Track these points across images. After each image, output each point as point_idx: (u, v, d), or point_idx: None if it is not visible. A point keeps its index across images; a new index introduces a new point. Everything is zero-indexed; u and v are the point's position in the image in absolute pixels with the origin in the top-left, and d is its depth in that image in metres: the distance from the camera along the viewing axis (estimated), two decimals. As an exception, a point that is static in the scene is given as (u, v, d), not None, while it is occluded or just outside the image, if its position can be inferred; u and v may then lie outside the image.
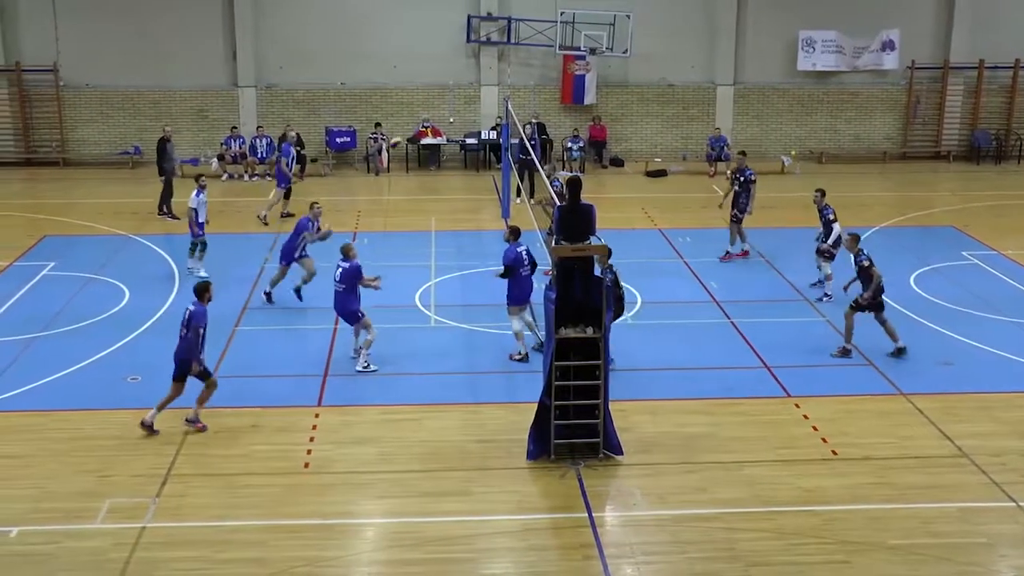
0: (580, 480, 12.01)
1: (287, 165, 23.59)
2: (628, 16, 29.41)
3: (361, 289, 15.12)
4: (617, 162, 30.81)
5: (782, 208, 25.13)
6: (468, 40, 30.16)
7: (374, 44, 30.03)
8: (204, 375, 13.28)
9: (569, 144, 29.60)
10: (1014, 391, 14.61)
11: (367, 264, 16.36)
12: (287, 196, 23.88)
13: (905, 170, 30.53)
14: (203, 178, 19.92)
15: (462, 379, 15.02)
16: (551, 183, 18.43)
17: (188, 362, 13.10)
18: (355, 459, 12.53)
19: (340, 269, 15.08)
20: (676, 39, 30.63)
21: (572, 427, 12.47)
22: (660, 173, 29.44)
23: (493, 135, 29.56)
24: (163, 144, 24.07)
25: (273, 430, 13.29)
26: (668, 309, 17.78)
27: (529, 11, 29.93)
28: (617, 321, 14.32)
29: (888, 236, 22.42)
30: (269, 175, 28.65)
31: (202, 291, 13.32)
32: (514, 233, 15.63)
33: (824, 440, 13.03)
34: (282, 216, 23.49)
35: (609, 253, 13.76)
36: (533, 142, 23.67)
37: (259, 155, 28.90)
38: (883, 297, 15.52)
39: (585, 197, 13.11)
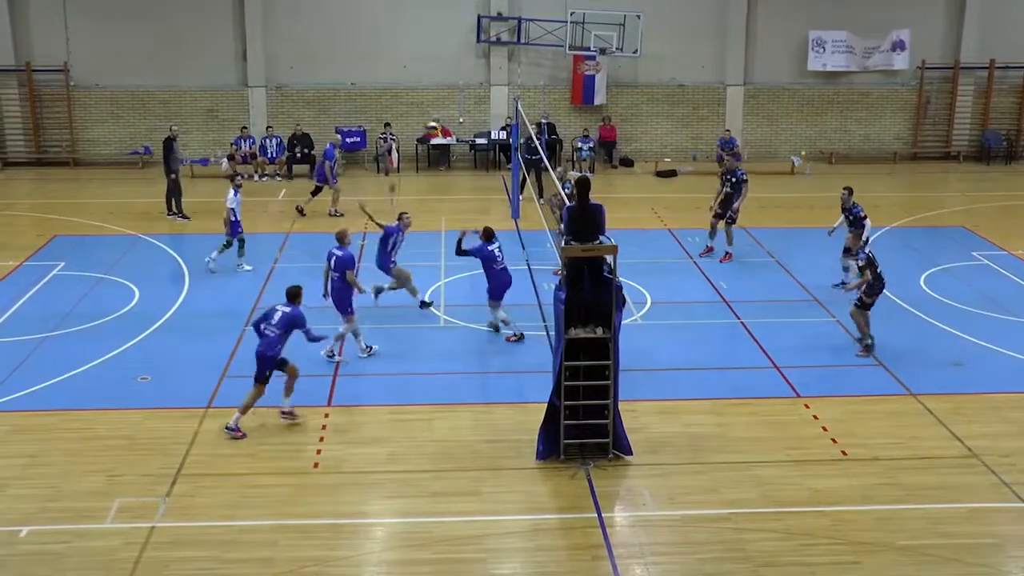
0: (590, 480, 12.01)
1: (330, 168, 23.94)
2: (638, 16, 29.39)
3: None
4: (627, 162, 30.80)
5: (792, 208, 25.12)
6: (478, 40, 30.17)
7: (384, 44, 30.06)
8: (282, 364, 13.37)
9: (579, 144, 29.59)
10: (1024, 392, 14.59)
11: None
12: (314, 194, 24.07)
13: (915, 170, 30.47)
14: (238, 178, 20.39)
15: (472, 379, 15.03)
16: (563, 186, 18.45)
17: (274, 360, 13.13)
18: (364, 459, 12.55)
19: (334, 257, 15.32)
20: (686, 39, 30.60)
21: (582, 427, 12.47)
22: (670, 173, 29.41)
23: (503, 135, 29.57)
24: (169, 143, 24.14)
25: (282, 430, 13.32)
26: (677, 309, 17.77)
27: (539, 11, 29.93)
28: (626, 321, 14.34)
29: (898, 236, 22.37)
30: (279, 175, 28.76)
31: (296, 295, 13.44)
32: (487, 234, 16.17)
33: (834, 441, 13.01)
34: (298, 213, 23.77)
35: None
36: (536, 144, 23.64)
37: (269, 155, 28.95)
38: (877, 298, 15.50)
39: (595, 197, 13.10)
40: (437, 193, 27.60)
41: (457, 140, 30.18)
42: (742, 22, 30.55)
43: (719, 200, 20.56)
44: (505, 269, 16.25)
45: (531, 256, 20.61)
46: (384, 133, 29.56)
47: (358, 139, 30.02)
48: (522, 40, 30.20)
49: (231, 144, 29.31)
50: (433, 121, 29.81)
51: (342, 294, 15.32)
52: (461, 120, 30.62)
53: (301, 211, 24.02)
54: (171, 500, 11.54)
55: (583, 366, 12.37)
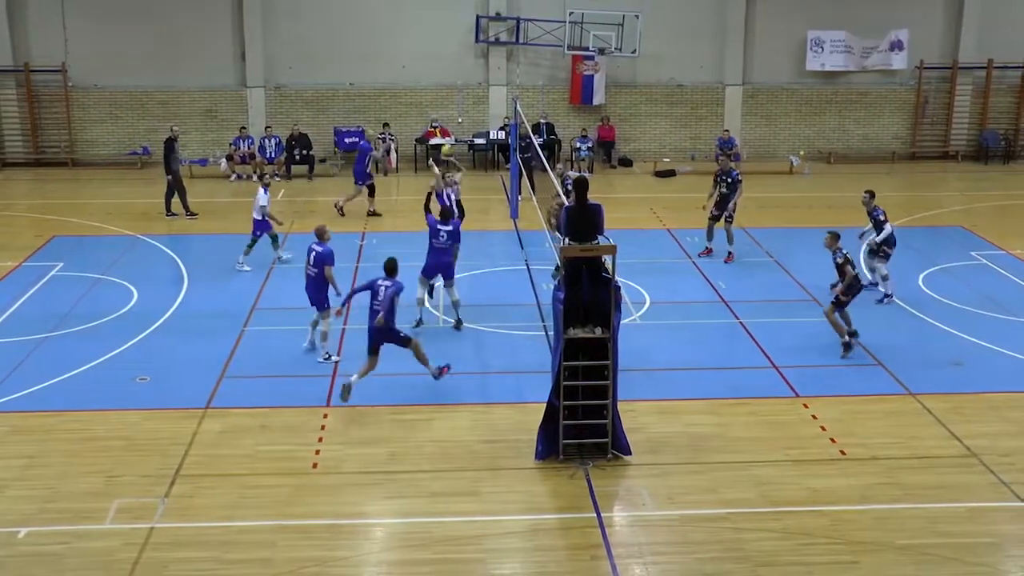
0: (589, 480, 12.01)
1: (366, 164, 23.97)
2: (637, 16, 29.41)
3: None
4: (626, 162, 30.81)
5: (791, 208, 25.12)
6: (477, 40, 30.18)
7: (383, 44, 30.07)
8: (406, 341, 14.11)
9: (578, 144, 29.61)
10: (1023, 391, 14.57)
11: (376, 264, 16.43)
12: (371, 194, 24.06)
13: (914, 170, 30.49)
14: (267, 177, 20.73)
15: (471, 379, 15.01)
16: (563, 182, 18.50)
17: (386, 331, 13.89)
18: (364, 459, 12.54)
19: (314, 253, 15.38)
20: (685, 39, 30.62)
21: (581, 427, 12.47)
22: (669, 173, 29.42)
23: (502, 135, 29.58)
24: (170, 144, 24.16)
25: (281, 430, 13.31)
26: (676, 309, 17.77)
27: (538, 11, 29.94)
28: (625, 321, 14.34)
29: (897, 236, 22.28)
30: (278, 175, 28.73)
31: (394, 268, 14.13)
32: (443, 214, 16.73)
33: (832, 440, 13.01)
34: (368, 215, 23.89)
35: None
36: (526, 141, 23.66)
37: (268, 155, 28.95)
38: (849, 297, 15.53)
39: (594, 197, 13.12)
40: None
41: (456, 140, 30.17)
42: (741, 22, 30.57)
43: (714, 201, 20.56)
44: (444, 251, 16.42)
45: (530, 256, 20.60)
46: (383, 133, 29.55)
47: (357, 139, 29.99)
48: (521, 40, 30.21)
49: (230, 144, 29.30)
50: (445, 139, 29.59)
51: (319, 289, 15.39)
52: (460, 120, 30.63)
53: (375, 213, 23.87)
54: (170, 501, 11.54)
55: (582, 366, 12.37)
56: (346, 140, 29.81)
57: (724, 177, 20.55)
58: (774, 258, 20.69)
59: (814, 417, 13.66)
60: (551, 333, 13.84)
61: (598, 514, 11.33)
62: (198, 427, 13.31)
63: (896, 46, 30.64)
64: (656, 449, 12.73)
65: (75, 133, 30.31)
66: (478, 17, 29.94)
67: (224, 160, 28.89)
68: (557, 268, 18.64)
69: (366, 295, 14.15)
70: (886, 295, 17.92)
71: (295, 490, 11.81)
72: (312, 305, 15.57)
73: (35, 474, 12.16)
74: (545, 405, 12.48)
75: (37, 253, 21.20)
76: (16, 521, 11.08)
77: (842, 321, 15.67)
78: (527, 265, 20.01)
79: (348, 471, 12.27)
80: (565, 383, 12.25)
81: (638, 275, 18.76)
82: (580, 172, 28.52)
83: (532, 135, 23.97)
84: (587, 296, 12.33)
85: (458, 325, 16.64)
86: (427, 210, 17.00)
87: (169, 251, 21.31)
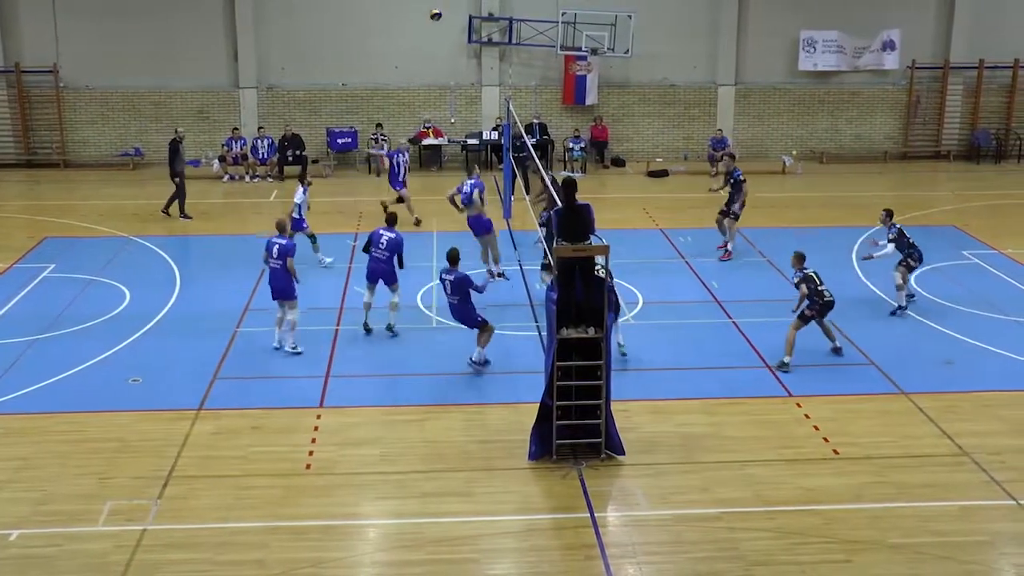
0: (582, 480, 12.01)
1: (396, 170, 23.60)
2: (629, 16, 29.42)
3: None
4: (618, 162, 30.82)
5: (784, 208, 25.15)
6: (469, 41, 30.17)
7: (375, 45, 30.05)
8: (483, 324, 15.04)
9: (570, 144, 29.61)
10: (1014, 390, 14.62)
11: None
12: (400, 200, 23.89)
13: (906, 170, 30.54)
14: (308, 177, 20.84)
15: (464, 380, 15.02)
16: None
17: (472, 318, 14.97)
18: (357, 460, 12.54)
19: (277, 246, 15.67)
20: (677, 39, 30.63)
21: (574, 427, 12.47)
22: (661, 173, 29.44)
23: (494, 135, 29.58)
24: (175, 146, 24.11)
25: (275, 431, 13.30)
26: (669, 309, 17.79)
27: (530, 11, 29.93)
28: (620, 321, 14.37)
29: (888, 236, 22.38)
30: (270, 176, 28.71)
31: (456, 258, 14.98)
32: (388, 219, 16.81)
33: (825, 439, 13.03)
34: (384, 208, 23.60)
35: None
36: (520, 142, 23.65)
37: (261, 156, 28.91)
38: (813, 312, 15.42)
39: (587, 197, 13.13)
40: (429, 194, 27.51)
41: (449, 141, 30.18)
42: (733, 22, 30.59)
43: (723, 195, 21.20)
44: (379, 260, 16.29)
45: (523, 256, 20.61)
46: (375, 134, 29.53)
47: (349, 140, 30.00)
48: (513, 40, 30.21)
49: (222, 145, 29.25)
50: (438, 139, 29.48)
51: (288, 280, 15.66)
52: (452, 121, 30.62)
53: (418, 223, 23.60)
54: (163, 502, 11.52)
55: (575, 366, 12.38)
56: (339, 141, 29.79)
57: (728, 178, 20.86)
58: (767, 258, 20.72)
59: (807, 416, 13.68)
60: (544, 333, 13.84)
61: (592, 514, 11.34)
62: (191, 428, 13.30)
63: (888, 46, 30.68)
64: (649, 449, 12.74)
65: (67, 134, 30.23)
66: (471, 17, 29.93)
67: (217, 161, 28.83)
68: (544, 266, 18.71)
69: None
70: (899, 306, 17.43)
71: (288, 491, 11.80)
72: (277, 298, 15.81)
73: (27, 476, 12.14)
74: (538, 405, 12.49)
75: (29, 254, 21.15)
76: (8, 523, 11.06)
77: (827, 334, 15.68)
78: (520, 265, 20.01)
79: (341, 472, 12.27)
80: (558, 383, 12.26)
81: (631, 275, 18.77)
82: (573, 172, 28.60)
83: (525, 135, 23.97)
84: (580, 296, 12.34)
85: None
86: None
87: (162, 252, 21.28)
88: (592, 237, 12.68)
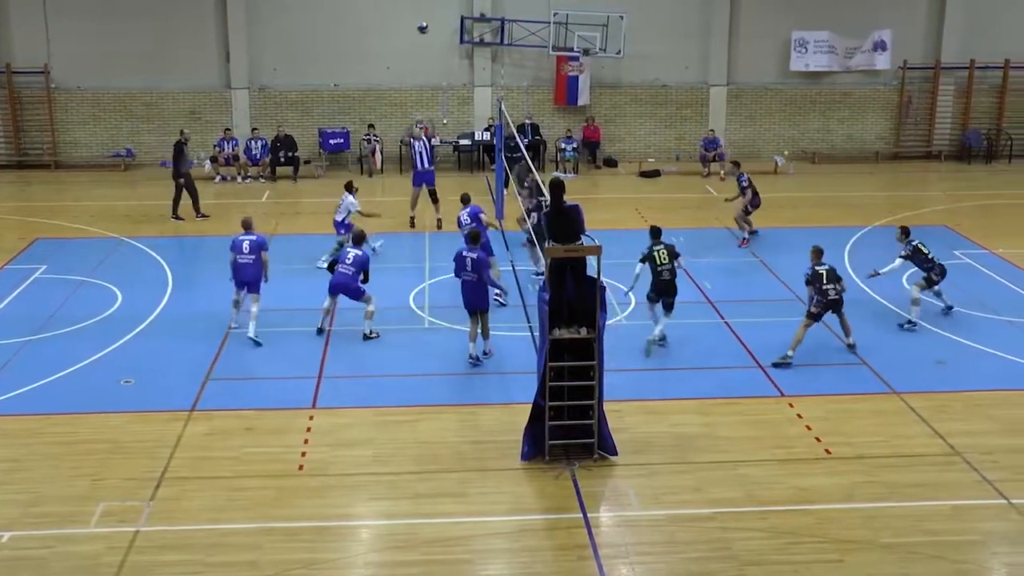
0: (575, 481, 12.02)
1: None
2: (621, 17, 29.43)
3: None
4: (611, 163, 30.83)
5: (775, 208, 25.13)
6: (461, 41, 30.16)
7: (367, 45, 30.03)
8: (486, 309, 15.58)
9: (563, 145, 29.62)
10: (1006, 389, 14.66)
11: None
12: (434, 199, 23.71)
13: (897, 170, 30.60)
14: (354, 183, 21.07)
15: (456, 380, 15.02)
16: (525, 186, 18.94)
17: (479, 300, 15.39)
18: (350, 461, 12.53)
19: (247, 242, 16.47)
20: (669, 40, 30.66)
21: (566, 428, 12.48)
22: (653, 174, 29.46)
23: (486, 136, 29.57)
24: (180, 147, 24.05)
25: (267, 432, 13.28)
26: (662, 309, 17.78)
27: (522, 12, 29.93)
28: (610, 321, 14.37)
29: (880, 235, 22.44)
30: (262, 177, 28.67)
31: (476, 238, 15.69)
32: (356, 238, 17.01)
33: (818, 439, 13.06)
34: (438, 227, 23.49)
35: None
36: (513, 142, 23.65)
37: (253, 156, 28.87)
38: (818, 309, 15.52)
39: (579, 198, 13.15)
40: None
41: (441, 141, 30.14)
42: (725, 22, 30.62)
43: (737, 200, 22.13)
44: (344, 275, 16.28)
45: (515, 257, 20.60)
46: (368, 134, 29.52)
47: (341, 140, 29.97)
48: (505, 41, 30.20)
49: (214, 146, 29.20)
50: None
51: (255, 273, 16.44)
52: (444, 121, 30.61)
53: (439, 225, 23.41)
54: (155, 504, 11.50)
55: (567, 367, 12.38)
56: (331, 141, 29.77)
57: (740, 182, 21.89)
58: (759, 258, 20.75)
59: (799, 416, 13.71)
60: (536, 334, 13.85)
61: (584, 514, 11.34)
62: (183, 430, 13.28)
63: (879, 46, 30.76)
64: (642, 449, 12.75)
65: (58, 135, 30.15)
66: (463, 18, 29.91)
67: (209, 162, 28.78)
68: (530, 237, 18.73)
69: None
70: (910, 320, 17.00)
71: (281, 492, 11.79)
72: (244, 288, 16.59)
73: (19, 478, 12.11)
74: (531, 406, 12.49)
75: (20, 255, 21.10)
76: (0, 525, 11.02)
77: (842, 330, 15.87)
78: (512, 266, 20.00)
79: (334, 473, 12.26)
80: (551, 384, 12.26)
81: (624, 276, 18.75)
82: (566, 173, 28.62)
83: (517, 135, 23.96)
84: (572, 296, 12.34)
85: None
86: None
87: (153, 253, 21.24)
88: (584, 237, 12.69)
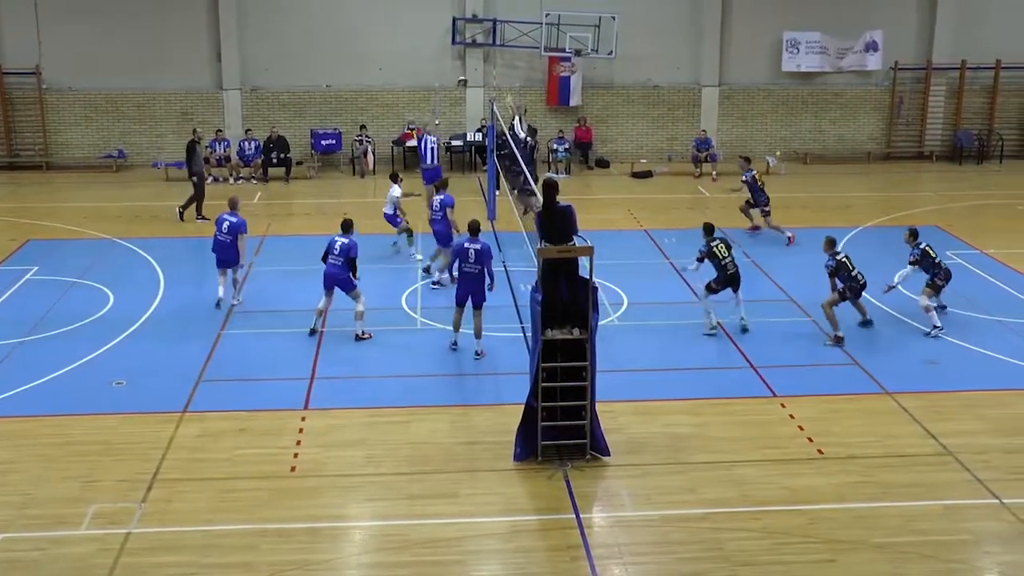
0: (567, 481, 12.02)
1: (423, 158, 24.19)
2: (613, 17, 29.47)
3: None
4: (603, 163, 30.86)
5: (767, 208, 25.18)
6: (453, 42, 30.17)
7: (359, 46, 30.03)
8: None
9: (555, 145, 29.64)
10: (998, 389, 14.69)
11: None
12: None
13: (889, 170, 30.68)
14: (399, 175, 21.27)
15: (449, 381, 15.02)
16: (519, 120, 19.18)
17: (477, 291, 15.46)
18: (342, 462, 12.52)
19: (227, 222, 17.33)
20: (661, 40, 30.72)
21: (559, 428, 12.48)
22: (646, 174, 29.50)
23: (479, 137, 29.57)
24: (192, 146, 23.97)
25: (260, 434, 13.26)
26: (654, 310, 17.81)
27: (514, 13, 29.96)
28: (603, 322, 14.39)
29: (872, 236, 22.52)
30: (255, 178, 28.64)
31: (478, 228, 15.69)
32: (344, 226, 16.68)
33: (810, 439, 13.07)
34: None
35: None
36: (503, 140, 23.64)
37: (246, 157, 28.82)
38: (848, 294, 16.13)
39: (572, 198, 13.14)
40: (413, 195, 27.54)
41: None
42: (717, 23, 30.68)
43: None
44: (335, 266, 16.27)
45: (508, 257, 20.60)
46: (360, 135, 29.50)
47: (333, 141, 29.96)
48: (497, 42, 30.22)
49: (206, 147, 29.13)
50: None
51: (231, 252, 17.39)
52: (437, 122, 30.59)
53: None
54: (147, 505, 11.47)
55: (560, 367, 12.39)
56: (323, 142, 29.75)
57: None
58: (751, 258, 20.76)
59: (791, 417, 13.72)
60: (528, 334, 13.84)
61: (577, 515, 11.34)
62: (176, 431, 13.25)
63: (871, 47, 30.84)
64: (635, 450, 12.76)
65: (49, 136, 30.10)
66: (454, 19, 29.94)
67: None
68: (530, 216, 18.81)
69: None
70: (934, 326, 16.61)
71: (274, 494, 11.77)
72: (222, 266, 17.56)
73: (11, 480, 12.07)
74: (523, 406, 12.49)
75: (12, 257, 21.05)
76: (-9, 527, 11.01)
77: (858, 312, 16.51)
78: (504, 266, 20.00)
79: (327, 474, 12.25)
80: (543, 384, 12.26)
81: (616, 276, 18.79)
82: (558, 173, 28.61)
83: (509, 133, 23.96)
84: (565, 297, 12.34)
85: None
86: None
87: (145, 254, 21.19)
88: (576, 238, 12.69)
